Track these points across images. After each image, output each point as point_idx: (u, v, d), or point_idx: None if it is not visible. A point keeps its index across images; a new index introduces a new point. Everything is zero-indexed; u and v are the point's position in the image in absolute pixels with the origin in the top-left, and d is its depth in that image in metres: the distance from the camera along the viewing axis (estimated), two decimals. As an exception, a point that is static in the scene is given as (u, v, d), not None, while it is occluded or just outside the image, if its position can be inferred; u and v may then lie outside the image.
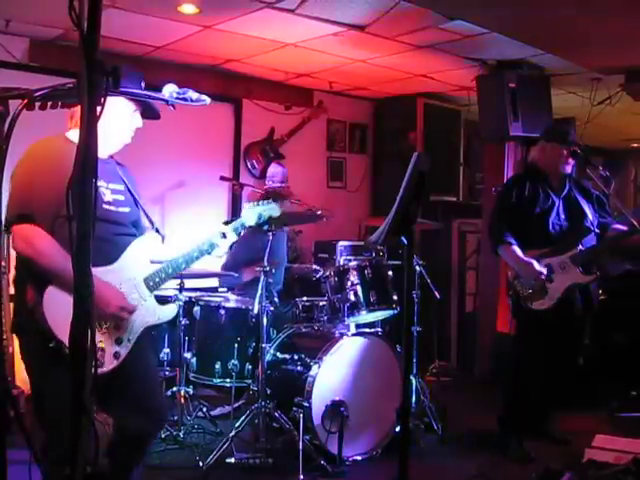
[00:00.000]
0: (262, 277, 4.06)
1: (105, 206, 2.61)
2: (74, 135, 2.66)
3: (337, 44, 5.31)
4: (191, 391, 4.45)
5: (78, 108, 2.60)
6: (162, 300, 2.83)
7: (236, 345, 4.26)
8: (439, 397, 4.91)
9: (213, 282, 5.65)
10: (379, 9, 4.46)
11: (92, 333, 1.30)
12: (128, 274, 2.66)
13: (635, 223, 3.79)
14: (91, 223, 1.30)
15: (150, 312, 2.74)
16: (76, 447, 1.22)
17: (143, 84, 2.53)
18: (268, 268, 4.08)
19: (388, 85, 6.84)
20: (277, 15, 4.58)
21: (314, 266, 5.13)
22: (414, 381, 4.67)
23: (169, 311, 2.86)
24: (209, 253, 2.95)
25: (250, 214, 3.21)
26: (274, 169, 6.13)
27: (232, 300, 4.52)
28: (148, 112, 2.78)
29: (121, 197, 2.73)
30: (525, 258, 4.06)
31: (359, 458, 4.05)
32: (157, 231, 2.89)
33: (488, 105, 5.79)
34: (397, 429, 4.07)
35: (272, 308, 4.20)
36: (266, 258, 4.10)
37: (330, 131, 7.41)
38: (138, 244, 2.73)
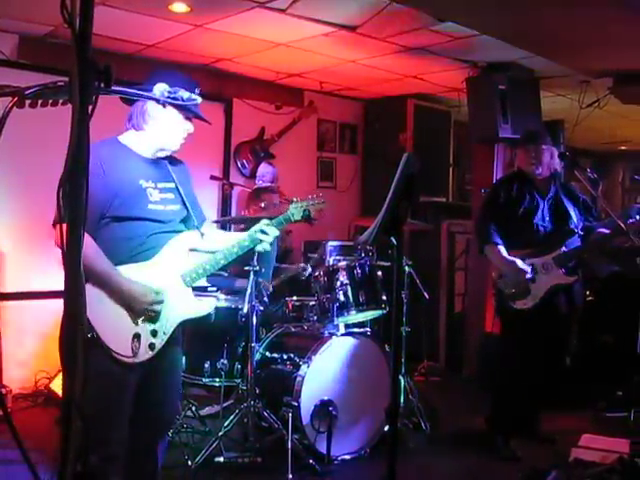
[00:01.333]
0: (251, 276, 4.07)
1: (151, 206, 2.69)
2: (126, 138, 2.75)
3: (328, 44, 5.32)
4: (180, 390, 4.44)
5: (136, 108, 2.71)
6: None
7: (225, 344, 4.26)
8: (428, 397, 4.93)
9: (202, 281, 5.62)
10: (370, 10, 4.47)
11: (82, 333, 1.29)
12: (165, 269, 2.72)
13: (622, 225, 3.82)
14: (83, 223, 1.29)
15: (186, 306, 2.80)
16: (66, 444, 1.22)
17: (197, 90, 2.64)
18: (258, 267, 4.09)
19: (379, 86, 6.86)
20: (268, 15, 4.58)
21: (301, 264, 5.14)
22: (403, 381, 4.69)
23: (206, 305, 2.93)
24: (251, 248, 2.96)
25: (296, 209, 3.17)
26: (264, 169, 6.14)
27: (222, 299, 4.51)
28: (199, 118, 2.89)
29: (170, 195, 2.79)
30: (509, 257, 4.10)
31: (348, 457, 4.07)
32: (197, 228, 2.92)
33: (478, 107, 5.82)
34: (386, 428, 4.08)
35: (262, 307, 4.21)
36: (256, 257, 4.10)
37: (320, 131, 7.42)
38: (177, 240, 2.78)
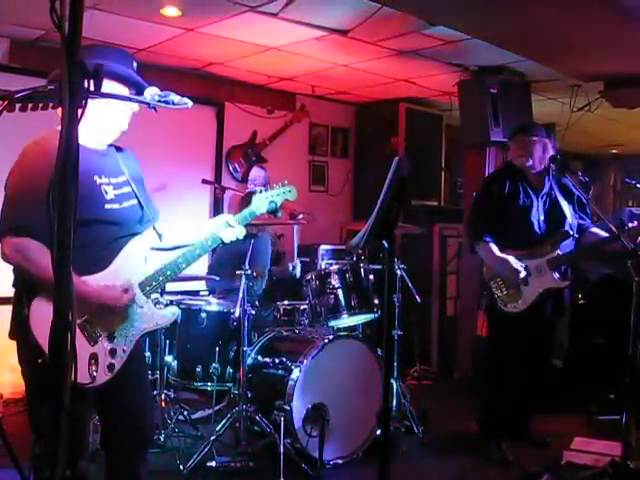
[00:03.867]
0: (243, 280, 4.06)
1: (108, 206, 2.47)
2: None
3: (320, 48, 5.32)
4: (172, 395, 4.43)
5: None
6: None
7: (217, 348, 4.24)
8: (420, 400, 4.92)
9: (194, 285, 5.62)
10: (362, 14, 4.48)
11: (72, 341, 1.28)
12: (122, 280, 2.47)
13: (614, 229, 3.80)
14: (71, 229, 1.27)
15: (147, 318, 2.55)
16: (56, 450, 1.22)
17: (135, 64, 2.48)
18: (250, 272, 4.08)
19: (370, 90, 6.87)
20: (260, 19, 4.59)
21: (290, 264, 5.14)
22: (395, 384, 4.68)
23: (169, 315, 2.67)
24: (212, 249, 2.71)
25: (261, 202, 2.88)
26: (256, 172, 6.13)
27: (213, 303, 4.50)
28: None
29: (126, 189, 2.57)
30: (502, 255, 4.04)
31: (340, 461, 4.05)
32: (154, 228, 2.67)
33: (469, 110, 5.83)
34: (378, 432, 4.08)
35: (253, 312, 4.20)
36: (247, 262, 4.10)
37: (312, 135, 7.43)
38: (132, 246, 2.53)
